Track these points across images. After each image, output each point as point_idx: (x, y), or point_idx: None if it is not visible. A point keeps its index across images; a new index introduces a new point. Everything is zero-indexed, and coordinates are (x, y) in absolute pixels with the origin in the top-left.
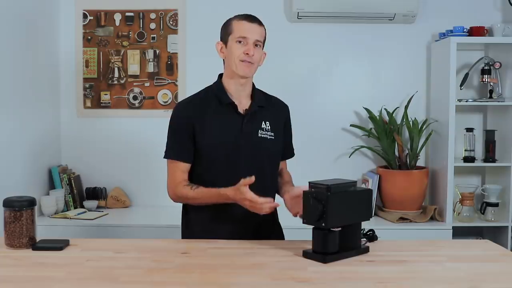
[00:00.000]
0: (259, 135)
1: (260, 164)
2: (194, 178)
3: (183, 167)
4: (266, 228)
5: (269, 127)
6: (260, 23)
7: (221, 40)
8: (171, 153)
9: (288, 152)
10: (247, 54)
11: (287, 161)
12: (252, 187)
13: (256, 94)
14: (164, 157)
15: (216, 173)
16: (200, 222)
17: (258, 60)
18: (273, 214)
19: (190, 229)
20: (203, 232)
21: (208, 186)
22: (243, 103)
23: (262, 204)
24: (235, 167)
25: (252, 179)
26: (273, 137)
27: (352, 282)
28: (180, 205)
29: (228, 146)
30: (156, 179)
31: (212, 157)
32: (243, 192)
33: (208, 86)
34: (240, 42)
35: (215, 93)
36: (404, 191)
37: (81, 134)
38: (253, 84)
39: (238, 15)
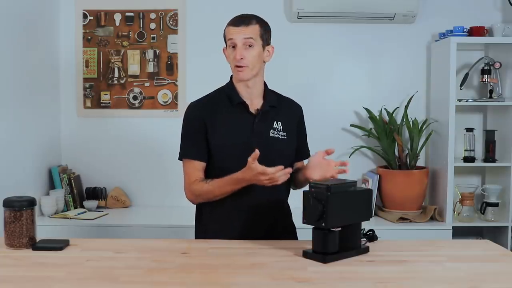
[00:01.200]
0: (271, 134)
1: (272, 164)
2: (208, 178)
3: (198, 166)
4: (279, 226)
5: (281, 127)
6: (248, 23)
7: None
8: (185, 153)
9: (304, 152)
10: (235, 58)
11: None
12: (263, 186)
13: (268, 94)
14: (178, 159)
15: (228, 173)
16: (213, 222)
17: (253, 61)
18: (286, 213)
19: (203, 230)
20: (216, 232)
21: None
22: (254, 103)
23: (274, 173)
24: (245, 166)
25: (257, 153)
26: (285, 137)
27: (352, 282)
28: (181, 205)
29: (239, 145)
30: (156, 179)
31: (224, 156)
32: (253, 168)
33: (220, 87)
34: (232, 47)
35: (226, 93)
36: (404, 191)
37: (81, 134)
38: (265, 84)
39: (231, 19)
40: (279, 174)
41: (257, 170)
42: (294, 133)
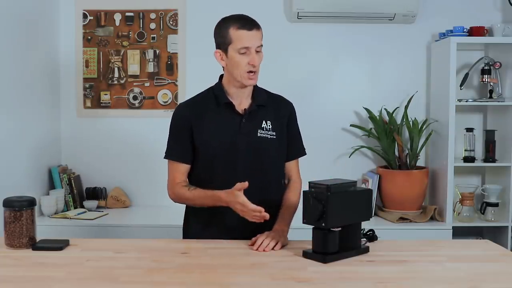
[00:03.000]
0: (259, 134)
1: (259, 165)
2: (193, 177)
3: (182, 168)
4: (266, 227)
5: (270, 127)
6: (258, 27)
7: (219, 48)
8: (169, 154)
9: (294, 150)
10: (252, 64)
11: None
12: (252, 187)
13: (257, 93)
14: (164, 157)
15: (213, 173)
16: (197, 224)
17: (259, 65)
18: (277, 214)
19: (188, 230)
20: (200, 234)
21: (206, 185)
22: (243, 103)
23: (252, 211)
24: (232, 166)
25: (245, 184)
26: (274, 137)
27: (352, 282)
28: (181, 205)
29: (225, 145)
30: (156, 179)
31: (210, 156)
32: (236, 195)
33: (210, 87)
34: (243, 53)
35: (215, 93)
36: (404, 191)
37: (81, 134)
38: None
39: (233, 19)
40: (255, 214)
41: (238, 200)
42: (284, 131)
